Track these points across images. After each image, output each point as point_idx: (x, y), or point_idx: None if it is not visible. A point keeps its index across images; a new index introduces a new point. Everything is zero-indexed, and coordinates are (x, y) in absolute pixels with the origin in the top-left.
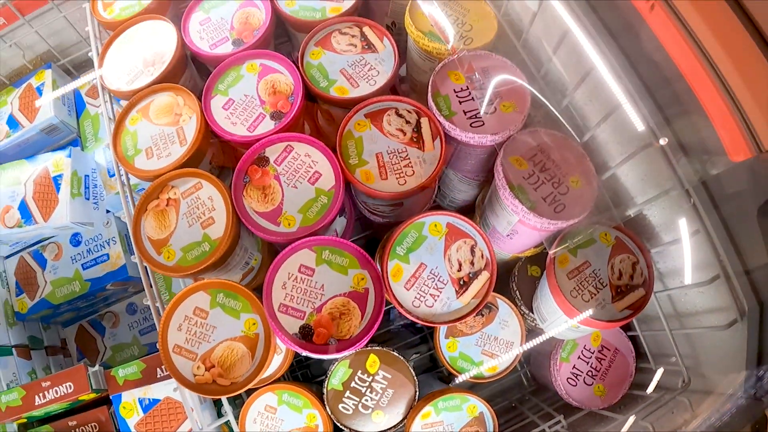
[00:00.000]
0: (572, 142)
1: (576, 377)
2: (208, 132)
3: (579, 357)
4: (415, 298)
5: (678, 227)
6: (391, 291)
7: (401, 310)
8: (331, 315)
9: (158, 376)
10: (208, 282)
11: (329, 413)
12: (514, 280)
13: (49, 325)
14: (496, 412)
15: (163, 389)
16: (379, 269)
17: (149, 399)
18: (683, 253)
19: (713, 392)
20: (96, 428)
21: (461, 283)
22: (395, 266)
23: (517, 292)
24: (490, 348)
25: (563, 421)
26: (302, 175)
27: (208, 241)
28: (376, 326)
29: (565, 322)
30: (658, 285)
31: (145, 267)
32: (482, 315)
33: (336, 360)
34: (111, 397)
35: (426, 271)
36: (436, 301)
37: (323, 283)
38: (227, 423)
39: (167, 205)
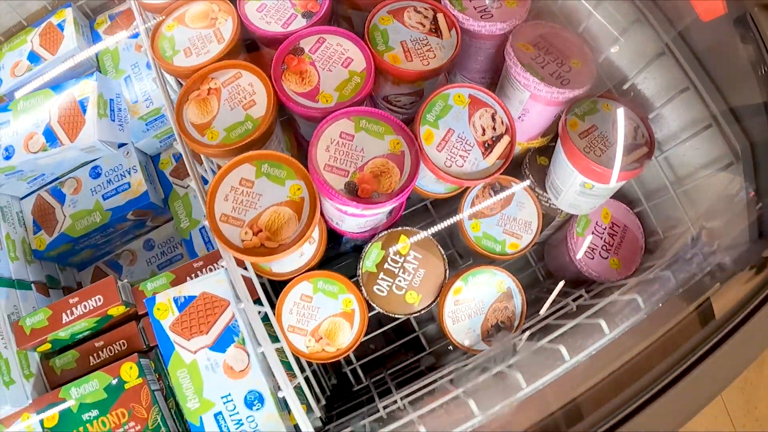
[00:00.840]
0: (571, 31)
1: (592, 251)
2: (244, 31)
3: (593, 232)
4: (447, 158)
5: (668, 91)
6: (425, 152)
7: (436, 170)
8: (372, 173)
9: None
10: (253, 154)
11: (365, 295)
12: (526, 168)
13: (65, 267)
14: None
15: (198, 285)
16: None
17: (185, 297)
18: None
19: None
20: (124, 345)
21: (486, 145)
22: (426, 131)
23: (530, 176)
24: (510, 228)
25: (585, 295)
26: (335, 60)
27: (251, 120)
28: (414, 182)
29: (580, 184)
30: (657, 152)
31: (188, 151)
32: (500, 198)
33: (368, 242)
34: (145, 301)
35: (454, 135)
36: (465, 161)
37: (363, 147)
38: (265, 317)
39: (208, 94)
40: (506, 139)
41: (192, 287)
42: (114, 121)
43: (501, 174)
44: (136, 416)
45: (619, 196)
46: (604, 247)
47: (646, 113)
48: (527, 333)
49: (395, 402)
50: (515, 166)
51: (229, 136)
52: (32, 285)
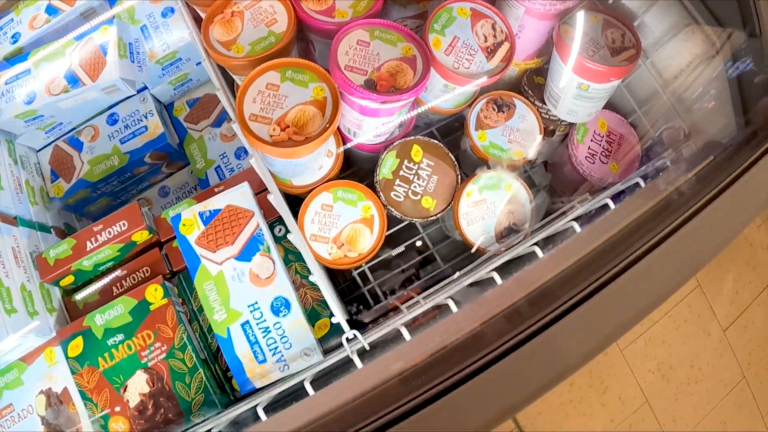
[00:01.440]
0: None
1: (593, 156)
2: None
3: (591, 139)
4: (455, 61)
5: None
6: (434, 56)
7: (446, 71)
8: (389, 72)
9: None
10: (277, 62)
11: (383, 201)
12: (525, 86)
13: (81, 218)
14: None
15: (223, 199)
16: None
17: (210, 210)
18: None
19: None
20: (148, 272)
21: (488, 50)
22: (435, 38)
23: (529, 92)
24: (514, 137)
25: (589, 196)
26: None
27: (273, 35)
28: (426, 81)
29: (577, 86)
30: (644, 58)
31: (212, 61)
32: (503, 111)
33: (383, 151)
34: (170, 218)
35: (460, 41)
36: (471, 63)
37: (378, 51)
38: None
39: (232, 16)
40: (506, 45)
41: (217, 201)
42: (133, 63)
43: (503, 73)
44: (162, 337)
45: (613, 108)
46: (603, 153)
47: (632, 21)
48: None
49: (417, 302)
50: (514, 89)
51: (254, 49)
52: (51, 229)
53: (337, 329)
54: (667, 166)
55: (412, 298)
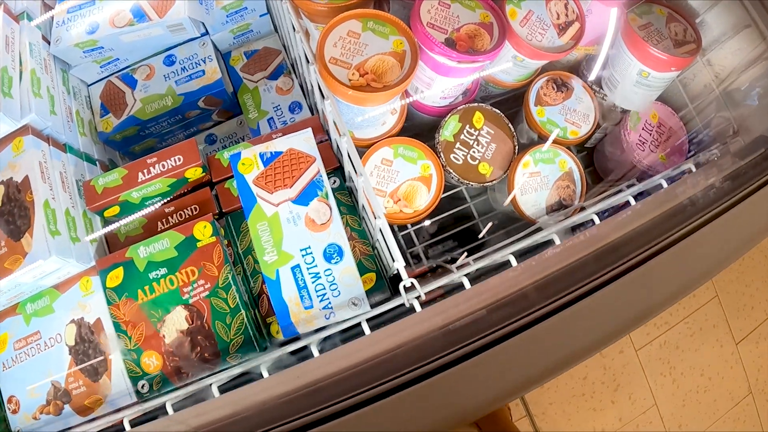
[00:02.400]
0: None
1: (643, 144)
2: None
3: (643, 128)
4: (528, 33)
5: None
6: (510, 26)
7: (520, 41)
8: (467, 34)
9: None
10: (360, 11)
11: (442, 162)
12: (583, 69)
13: (125, 156)
14: None
15: (286, 142)
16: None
17: (271, 152)
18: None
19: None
20: (196, 210)
21: (560, 27)
22: (511, 9)
23: (586, 74)
24: (571, 117)
25: (636, 182)
26: None
27: None
28: (502, 46)
29: (638, 73)
30: (701, 56)
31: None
32: (562, 91)
33: (446, 114)
34: (230, 156)
35: (534, 15)
36: (543, 38)
37: (458, 14)
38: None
39: None
40: (576, 25)
41: (279, 144)
42: (202, 4)
43: (573, 50)
44: (206, 274)
45: (665, 102)
46: (653, 143)
47: (693, 18)
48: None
49: (467, 263)
50: (572, 71)
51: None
52: (97, 162)
53: (380, 286)
54: (716, 156)
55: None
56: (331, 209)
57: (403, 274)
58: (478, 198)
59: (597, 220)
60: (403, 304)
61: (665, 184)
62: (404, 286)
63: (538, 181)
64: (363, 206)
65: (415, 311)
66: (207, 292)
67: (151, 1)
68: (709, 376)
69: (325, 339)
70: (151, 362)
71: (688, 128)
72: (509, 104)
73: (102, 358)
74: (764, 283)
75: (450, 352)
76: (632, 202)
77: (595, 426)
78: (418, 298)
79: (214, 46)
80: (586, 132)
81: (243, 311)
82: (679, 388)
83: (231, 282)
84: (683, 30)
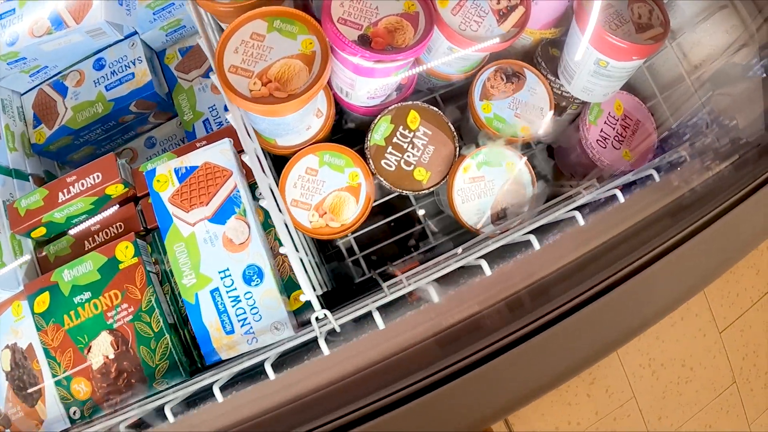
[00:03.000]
0: None
1: (605, 140)
2: None
3: (605, 122)
4: (461, 22)
5: None
6: (439, 14)
7: (450, 32)
8: (386, 29)
9: None
10: (266, 9)
11: (372, 169)
12: (538, 56)
13: (64, 165)
14: None
15: (201, 155)
16: None
17: (186, 167)
18: None
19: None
20: (121, 227)
21: (501, 14)
22: None
23: (542, 64)
24: (521, 111)
25: (596, 183)
26: None
27: None
28: (426, 42)
29: (595, 62)
30: (670, 39)
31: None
32: (512, 82)
33: (377, 116)
34: (145, 172)
35: (470, 1)
36: (479, 26)
37: (378, 4)
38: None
39: None
40: (520, 9)
41: (194, 157)
42: (121, 5)
43: (515, 39)
44: (129, 298)
45: (632, 90)
46: (617, 138)
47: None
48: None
49: (400, 282)
50: (526, 59)
51: None
52: (30, 177)
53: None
54: (684, 160)
55: (396, 276)
56: (249, 228)
57: (315, 304)
58: (427, 199)
59: (536, 245)
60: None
61: (620, 197)
62: (316, 318)
63: (482, 187)
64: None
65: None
66: (130, 317)
67: (70, 6)
68: (691, 366)
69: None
70: (81, 389)
71: (658, 120)
72: (460, 97)
73: (36, 383)
74: (749, 269)
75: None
76: (580, 221)
77: (570, 421)
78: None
79: (147, 46)
80: (540, 127)
81: (167, 335)
82: (659, 380)
83: (154, 305)
84: (648, 11)
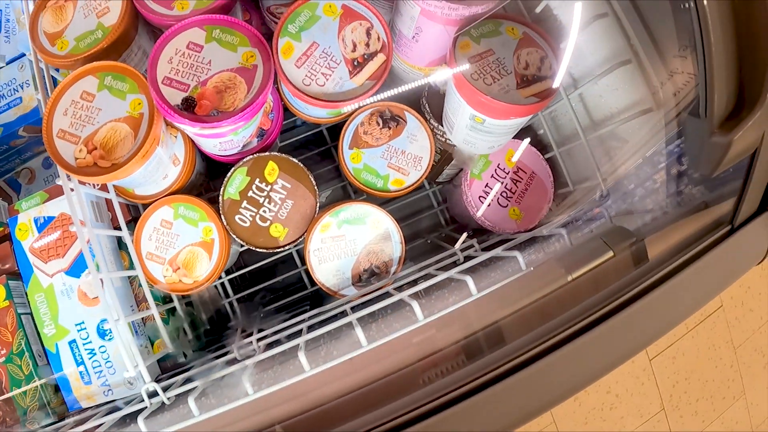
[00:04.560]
0: None
1: (489, 196)
2: None
3: (492, 175)
4: (306, 76)
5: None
6: (281, 67)
7: (291, 88)
8: (216, 88)
9: None
10: (96, 65)
11: (225, 225)
12: (425, 95)
13: None
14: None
15: (58, 205)
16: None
17: (44, 217)
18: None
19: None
20: None
21: (355, 63)
22: (286, 44)
23: (427, 105)
24: (396, 162)
25: (476, 245)
26: None
27: (102, 28)
28: (261, 100)
29: (470, 118)
30: (571, 88)
31: (38, 59)
32: (389, 127)
33: (233, 167)
34: (8, 220)
35: (318, 49)
36: (327, 80)
37: (211, 59)
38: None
39: (65, 0)
40: (380, 57)
41: (52, 207)
42: (0, 32)
43: (369, 96)
44: (1, 340)
45: (532, 138)
46: (504, 194)
47: (558, 42)
48: (397, 283)
49: (250, 344)
50: (415, 91)
51: (78, 45)
52: None
53: (174, 353)
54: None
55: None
56: (102, 281)
57: (145, 376)
58: None
59: (419, 314)
60: None
61: (473, 289)
62: (146, 391)
63: (343, 247)
64: None
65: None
66: (3, 359)
67: None
68: (617, 392)
69: None
70: None
71: (557, 175)
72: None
73: None
74: None
75: None
76: (473, 288)
77: None
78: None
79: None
80: (414, 180)
81: (37, 378)
82: (581, 405)
83: (24, 348)
84: (539, 59)
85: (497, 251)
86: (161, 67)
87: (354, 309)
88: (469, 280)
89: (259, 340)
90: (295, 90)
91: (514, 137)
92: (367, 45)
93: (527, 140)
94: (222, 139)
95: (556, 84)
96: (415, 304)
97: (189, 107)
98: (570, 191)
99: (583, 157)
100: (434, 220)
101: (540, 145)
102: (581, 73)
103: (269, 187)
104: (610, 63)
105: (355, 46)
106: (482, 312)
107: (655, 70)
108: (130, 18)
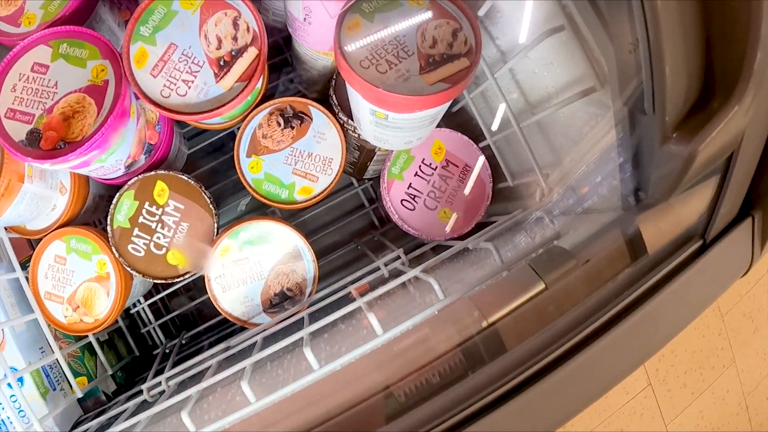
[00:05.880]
0: None
1: (413, 199)
2: None
3: (416, 174)
4: (165, 86)
5: None
6: (135, 79)
7: (148, 102)
8: (63, 115)
9: None
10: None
11: (117, 256)
12: (333, 85)
13: None
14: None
15: None
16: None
17: None
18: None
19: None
20: None
21: (221, 63)
22: (139, 50)
23: (335, 97)
24: (303, 167)
25: (403, 257)
26: None
27: None
28: (112, 122)
29: (370, 113)
30: (500, 63)
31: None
32: (292, 127)
33: (118, 191)
34: None
35: (177, 52)
36: (190, 88)
37: (57, 80)
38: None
39: None
40: (252, 52)
41: None
42: None
43: (241, 101)
44: None
45: (465, 124)
46: (432, 194)
47: (476, 10)
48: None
49: (159, 384)
50: (325, 82)
51: None
52: None
53: (95, 390)
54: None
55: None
56: (3, 330)
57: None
58: None
59: (314, 363)
60: None
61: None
62: None
63: (247, 270)
64: None
65: None
66: None
67: None
68: None
69: None
70: None
71: (494, 167)
72: None
73: None
74: None
75: None
76: (377, 329)
77: None
78: None
79: None
80: (324, 188)
81: None
82: None
83: None
84: (451, 33)
85: (416, 271)
86: (4, 98)
87: (266, 341)
88: (374, 319)
89: (168, 379)
90: (153, 104)
91: (441, 125)
92: (235, 39)
93: (454, 133)
94: (89, 168)
95: (473, 62)
96: (310, 354)
97: (33, 142)
98: (509, 186)
99: (517, 148)
100: (367, 221)
101: (474, 133)
102: (509, 45)
103: (160, 210)
104: (540, 30)
105: (220, 42)
106: (380, 368)
107: (597, 38)
108: None
